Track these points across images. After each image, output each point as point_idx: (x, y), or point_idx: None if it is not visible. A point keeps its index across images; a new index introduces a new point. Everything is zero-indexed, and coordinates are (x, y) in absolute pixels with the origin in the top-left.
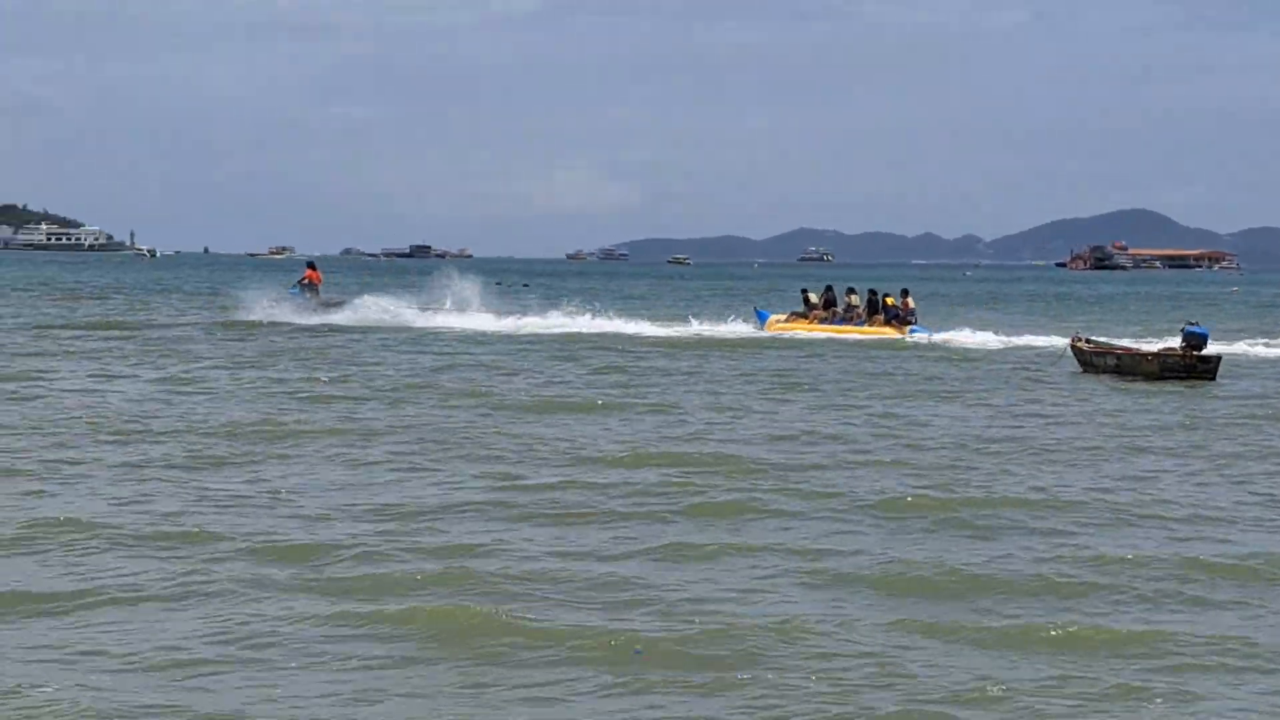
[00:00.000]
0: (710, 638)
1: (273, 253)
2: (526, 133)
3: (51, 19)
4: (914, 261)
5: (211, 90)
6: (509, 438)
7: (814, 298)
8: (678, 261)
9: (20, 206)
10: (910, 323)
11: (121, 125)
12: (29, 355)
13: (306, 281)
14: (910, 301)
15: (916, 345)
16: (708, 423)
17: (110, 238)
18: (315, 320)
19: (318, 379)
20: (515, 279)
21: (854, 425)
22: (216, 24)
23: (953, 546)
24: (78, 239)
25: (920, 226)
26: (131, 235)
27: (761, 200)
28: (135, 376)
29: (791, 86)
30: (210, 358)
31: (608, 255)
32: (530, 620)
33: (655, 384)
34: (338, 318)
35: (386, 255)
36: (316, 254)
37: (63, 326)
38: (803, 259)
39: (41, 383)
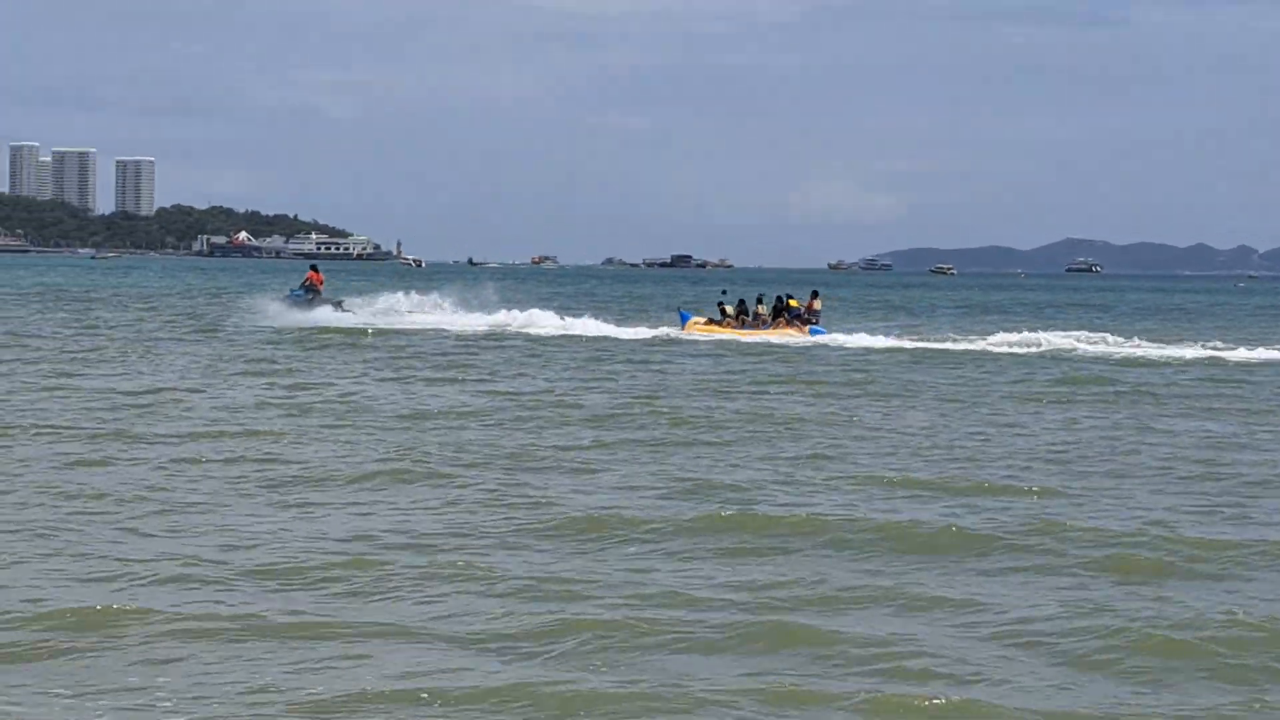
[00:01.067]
0: None
1: (535, 262)
2: (789, 141)
3: (337, 31)
4: (1183, 272)
5: (481, 99)
6: None
7: (729, 310)
8: (940, 271)
9: (292, 216)
10: (811, 323)
11: (389, 134)
12: None
13: (309, 283)
14: (817, 304)
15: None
16: None
17: (378, 247)
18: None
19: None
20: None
21: None
22: (488, 34)
23: None
24: (346, 248)
25: (1192, 237)
26: (398, 245)
27: (1029, 209)
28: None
29: (1063, 93)
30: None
31: (870, 265)
32: None
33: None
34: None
35: (648, 265)
36: (579, 263)
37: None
38: (1070, 269)
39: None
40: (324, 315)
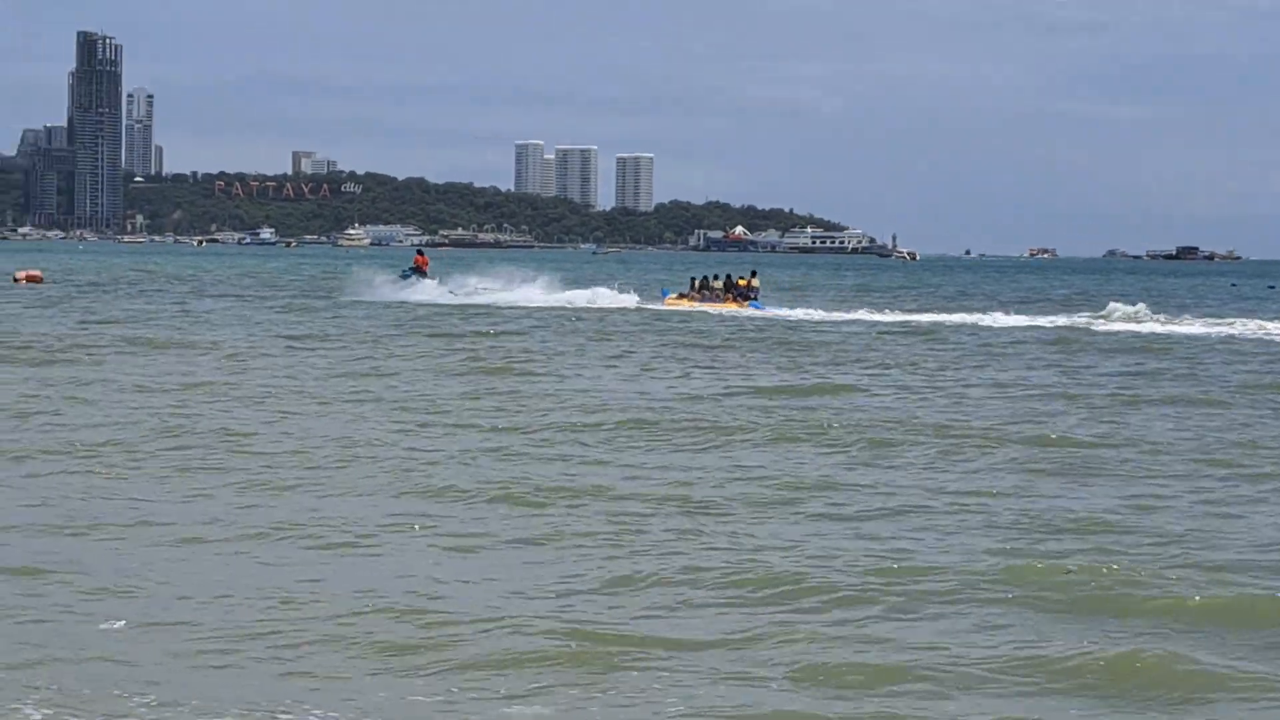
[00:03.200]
0: None
1: (1031, 254)
2: None
3: (820, 22)
4: None
5: (974, 88)
6: None
7: (697, 283)
8: None
9: (787, 210)
10: (750, 298)
11: (883, 126)
12: None
13: (415, 267)
14: (755, 282)
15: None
16: None
17: (873, 240)
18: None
19: None
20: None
21: None
22: (977, 21)
23: None
24: (841, 242)
25: None
26: (894, 238)
27: None
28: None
29: None
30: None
31: None
32: None
33: None
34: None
35: (1151, 256)
36: (1078, 255)
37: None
38: None
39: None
40: (427, 292)
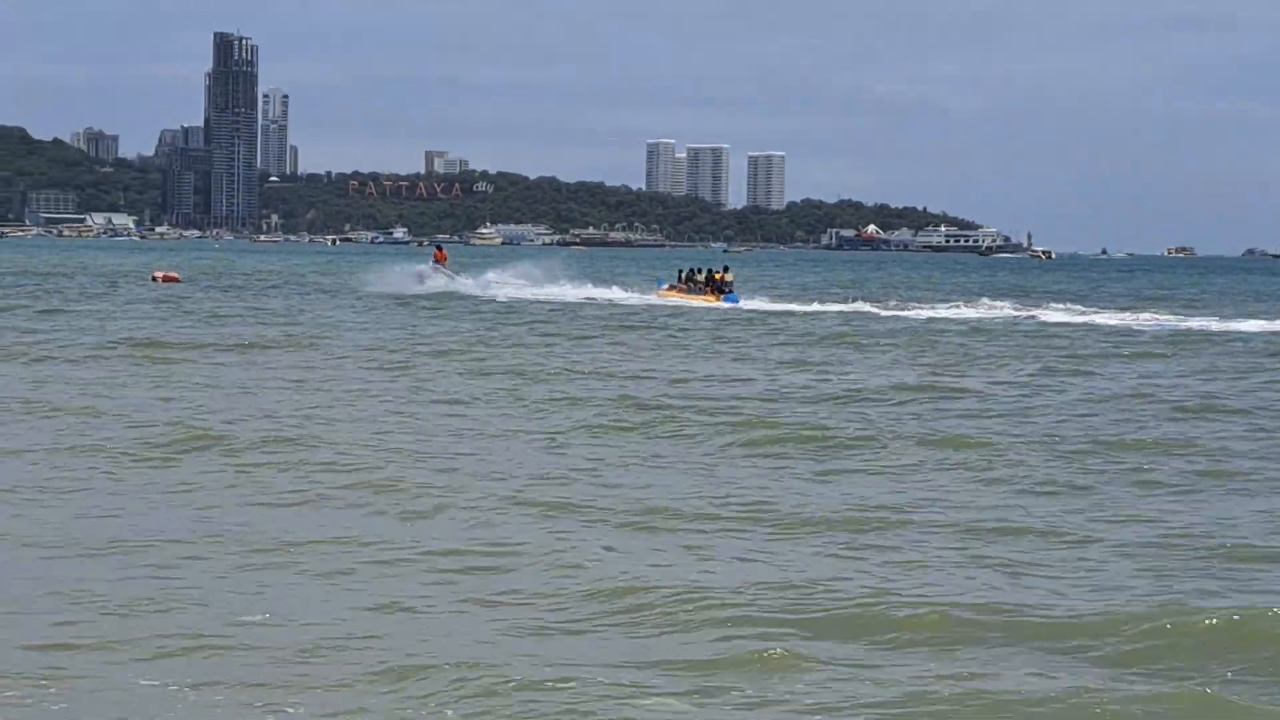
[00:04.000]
0: None
1: (1170, 253)
2: None
3: (955, 20)
4: None
5: (1107, 85)
6: None
7: (684, 275)
8: None
9: (920, 209)
10: (725, 291)
11: (1016, 124)
12: None
13: (436, 260)
14: (729, 276)
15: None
16: None
17: (1008, 239)
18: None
19: None
20: None
21: None
22: (1116, 20)
23: None
24: (975, 240)
25: None
26: (1029, 237)
27: None
28: None
29: None
30: None
31: None
32: None
33: None
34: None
35: None
36: (1217, 254)
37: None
38: None
39: None
40: (439, 283)
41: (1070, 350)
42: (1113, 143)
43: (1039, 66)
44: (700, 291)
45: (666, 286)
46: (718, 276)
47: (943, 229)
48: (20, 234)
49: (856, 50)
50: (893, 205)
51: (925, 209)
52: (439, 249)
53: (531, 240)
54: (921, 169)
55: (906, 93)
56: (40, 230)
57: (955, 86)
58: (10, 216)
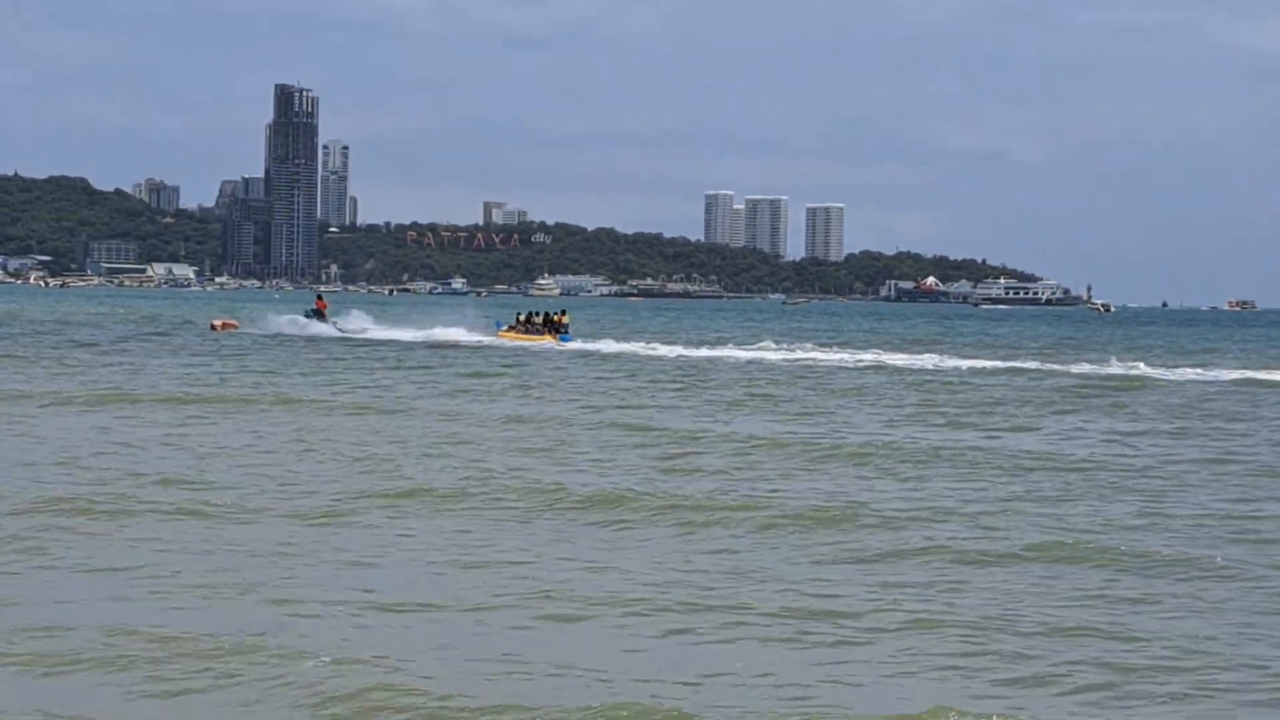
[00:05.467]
0: None
1: (1232, 306)
2: None
3: (1014, 70)
4: None
5: (1172, 137)
6: None
7: (522, 318)
8: None
9: (980, 261)
10: (561, 332)
11: (1080, 176)
12: None
13: (316, 309)
14: (565, 319)
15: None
16: None
17: (1067, 292)
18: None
19: None
20: None
21: None
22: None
23: None
24: (1034, 293)
25: None
26: (1089, 289)
27: None
28: None
29: None
30: None
31: None
32: None
33: None
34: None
35: None
36: (1276, 308)
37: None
38: None
39: None
40: (321, 329)
41: None
42: (1177, 194)
43: (1103, 117)
44: (538, 332)
45: (506, 328)
46: (555, 318)
47: (1002, 281)
48: (81, 284)
49: (920, 100)
50: (952, 257)
51: (985, 261)
52: (319, 299)
53: (589, 291)
54: (983, 220)
55: (970, 142)
56: (101, 280)
57: (1019, 136)
58: (73, 266)
